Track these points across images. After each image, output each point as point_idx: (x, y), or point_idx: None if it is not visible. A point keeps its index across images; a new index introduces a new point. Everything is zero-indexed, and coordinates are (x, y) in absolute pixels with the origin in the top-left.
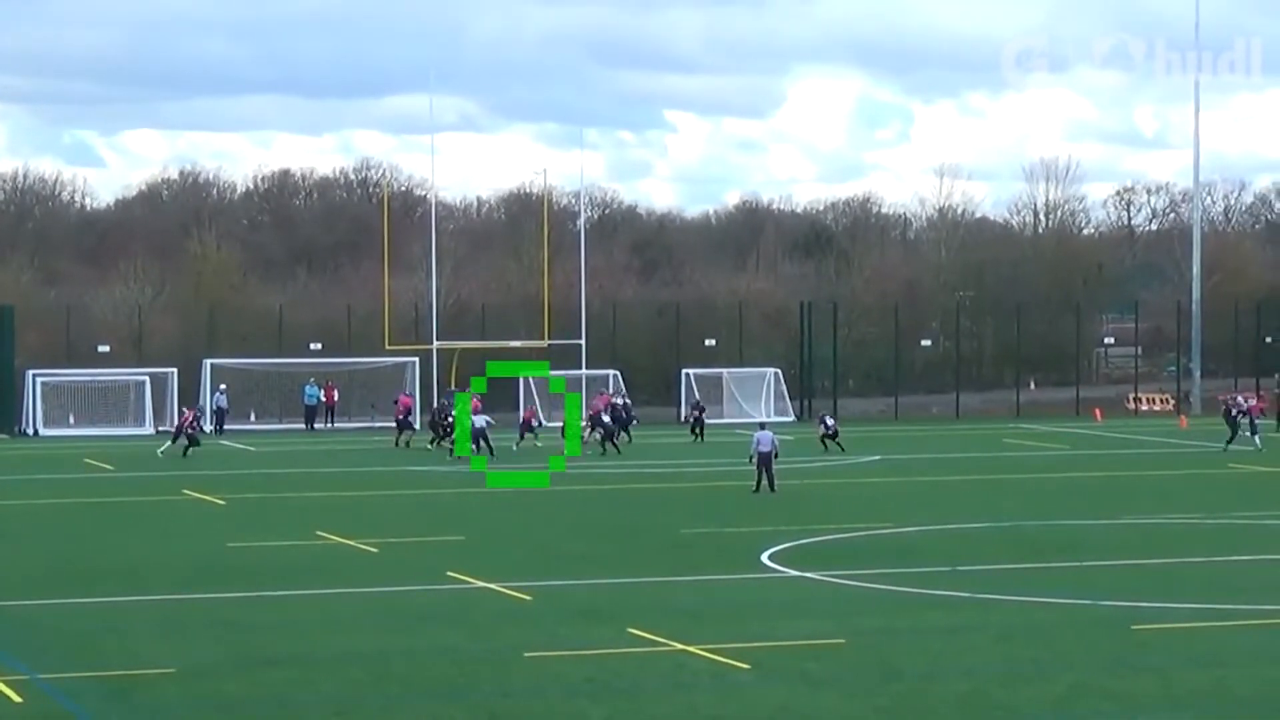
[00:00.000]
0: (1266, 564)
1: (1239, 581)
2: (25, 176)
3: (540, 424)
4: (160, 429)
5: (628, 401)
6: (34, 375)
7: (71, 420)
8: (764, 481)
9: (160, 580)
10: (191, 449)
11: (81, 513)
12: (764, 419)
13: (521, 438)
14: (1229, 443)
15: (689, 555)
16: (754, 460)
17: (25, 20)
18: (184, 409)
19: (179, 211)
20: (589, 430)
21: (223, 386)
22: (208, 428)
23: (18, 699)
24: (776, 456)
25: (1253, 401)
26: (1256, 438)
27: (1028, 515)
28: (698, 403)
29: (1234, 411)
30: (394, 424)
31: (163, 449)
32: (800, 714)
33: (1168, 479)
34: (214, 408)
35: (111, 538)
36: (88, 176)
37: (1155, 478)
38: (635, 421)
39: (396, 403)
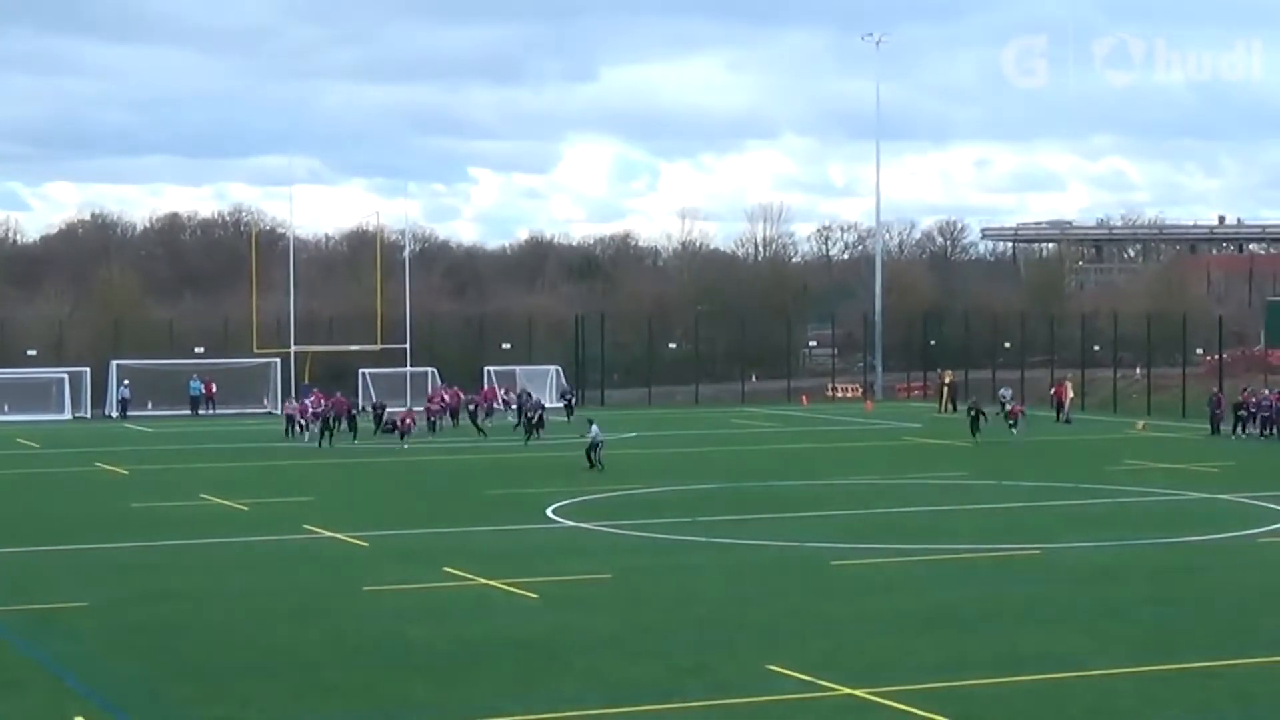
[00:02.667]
0: (934, 514)
1: (912, 527)
2: None
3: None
4: (77, 415)
5: (536, 397)
6: None
7: (5, 409)
8: (595, 462)
9: (76, 534)
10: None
11: (13, 481)
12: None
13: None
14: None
15: (491, 511)
16: (588, 445)
17: None
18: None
19: (91, 246)
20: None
21: (126, 381)
22: (115, 413)
23: None
24: (603, 444)
25: (1016, 404)
26: (1014, 430)
27: (750, 478)
28: (529, 394)
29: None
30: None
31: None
32: (578, 631)
33: (857, 449)
34: (118, 398)
35: (37, 500)
36: (17, 218)
37: (848, 448)
38: (542, 412)
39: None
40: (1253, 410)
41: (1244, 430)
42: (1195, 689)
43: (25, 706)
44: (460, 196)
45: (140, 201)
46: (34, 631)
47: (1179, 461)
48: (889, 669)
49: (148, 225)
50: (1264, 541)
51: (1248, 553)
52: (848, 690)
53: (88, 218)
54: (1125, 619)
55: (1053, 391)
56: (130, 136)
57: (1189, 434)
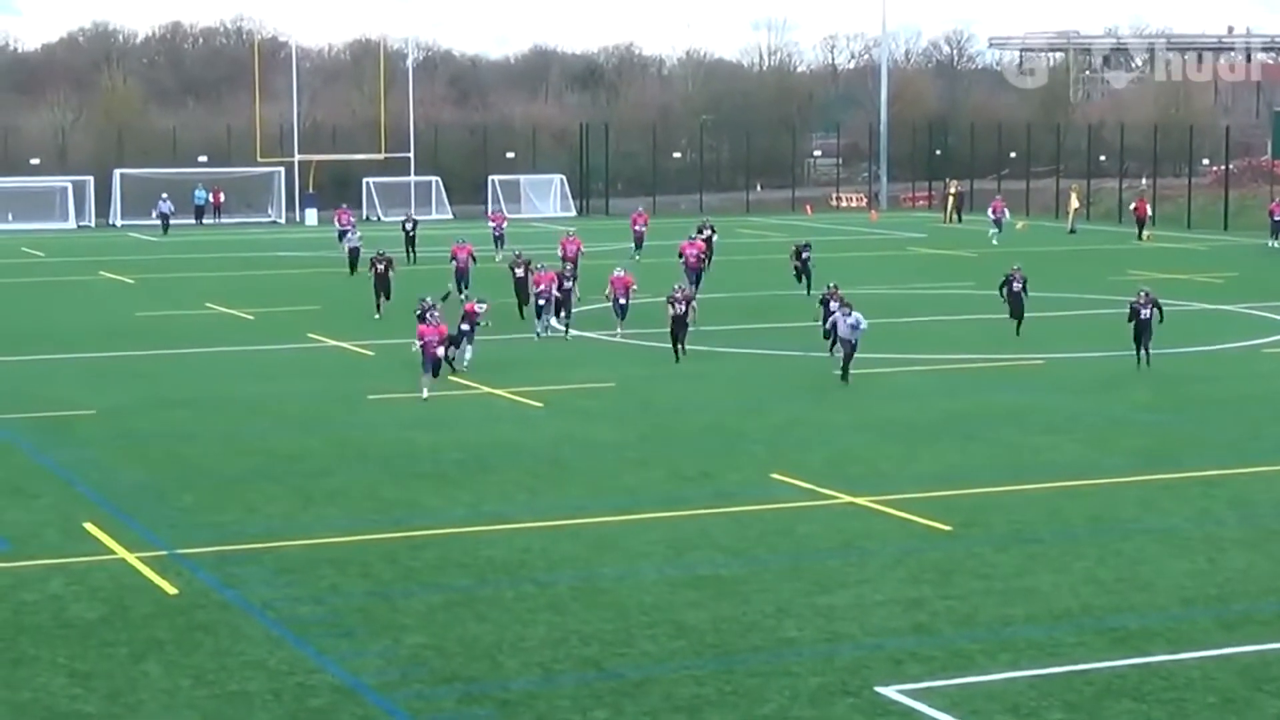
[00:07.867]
0: (938, 324)
1: (917, 337)
2: None
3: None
4: (81, 223)
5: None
6: None
7: (10, 218)
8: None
9: (82, 342)
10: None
11: (19, 290)
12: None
13: None
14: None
15: (494, 322)
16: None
17: None
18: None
19: (92, 53)
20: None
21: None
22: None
23: None
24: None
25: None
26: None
27: (755, 288)
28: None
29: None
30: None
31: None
32: (580, 439)
33: (863, 259)
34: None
35: (44, 309)
36: (12, 26)
37: (853, 258)
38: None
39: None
40: None
41: None
42: (1196, 496)
43: (36, 512)
44: (466, 5)
45: (141, 8)
46: (44, 438)
47: (1183, 272)
48: (891, 477)
49: (150, 34)
50: (1268, 352)
51: (1250, 362)
52: (849, 498)
53: (89, 25)
54: (1128, 429)
55: (1133, 208)
56: None
57: (1194, 245)
